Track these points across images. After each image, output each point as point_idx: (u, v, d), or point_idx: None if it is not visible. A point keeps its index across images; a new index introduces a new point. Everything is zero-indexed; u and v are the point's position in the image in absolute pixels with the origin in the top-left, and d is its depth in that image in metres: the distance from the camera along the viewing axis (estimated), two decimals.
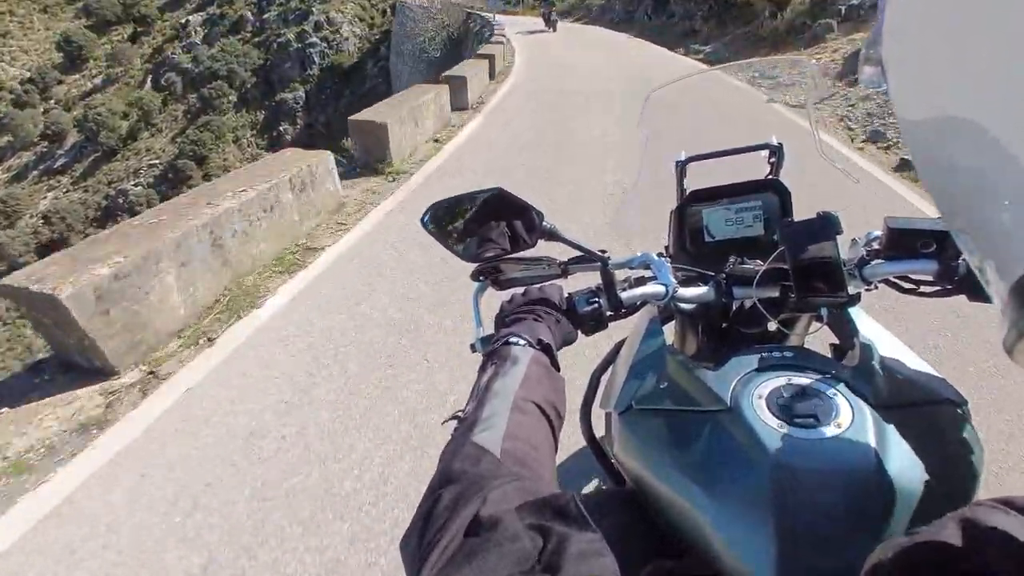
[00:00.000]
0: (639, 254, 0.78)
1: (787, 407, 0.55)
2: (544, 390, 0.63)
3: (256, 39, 35.86)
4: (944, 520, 0.32)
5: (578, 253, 0.77)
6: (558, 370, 0.70)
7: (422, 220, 0.75)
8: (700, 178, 0.97)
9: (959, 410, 0.61)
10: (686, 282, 0.77)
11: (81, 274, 2.34)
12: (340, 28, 34.01)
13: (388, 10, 33.98)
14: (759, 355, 0.63)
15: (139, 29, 38.09)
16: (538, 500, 0.42)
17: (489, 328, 0.76)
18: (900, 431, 0.54)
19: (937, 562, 0.29)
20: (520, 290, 0.79)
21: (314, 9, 35.18)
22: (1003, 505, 0.32)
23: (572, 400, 0.79)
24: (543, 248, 0.76)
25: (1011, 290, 0.20)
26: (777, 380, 0.59)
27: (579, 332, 0.76)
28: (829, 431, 0.52)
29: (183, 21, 38.86)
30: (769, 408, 0.55)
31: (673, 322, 0.91)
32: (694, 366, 0.65)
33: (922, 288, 0.72)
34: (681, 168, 1.00)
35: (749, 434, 0.53)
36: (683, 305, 0.79)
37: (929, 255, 0.69)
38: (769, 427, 0.53)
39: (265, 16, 37.16)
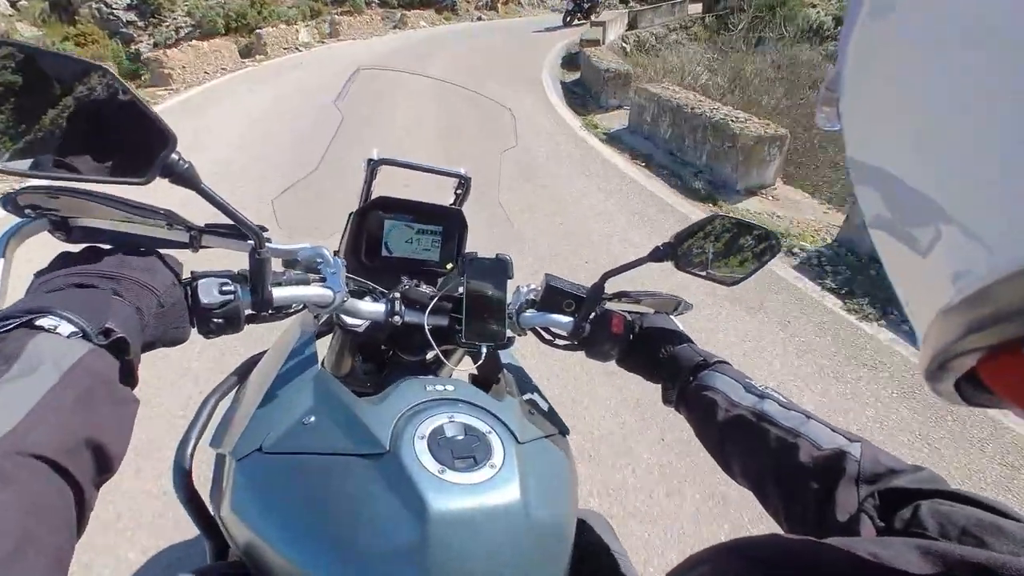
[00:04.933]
0: (308, 246, 0.64)
1: (448, 448, 0.53)
2: (80, 423, 0.38)
3: None
4: None
5: (224, 221, 0.56)
6: (132, 385, 0.46)
7: None
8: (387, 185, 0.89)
9: (564, 439, 0.68)
10: (355, 294, 0.70)
11: None
12: None
13: None
14: (424, 387, 0.59)
15: None
16: None
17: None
18: (534, 463, 0.57)
19: None
20: (107, 248, 0.53)
21: None
22: (749, 548, 0.32)
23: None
24: (164, 195, 0.51)
25: (931, 325, 0.21)
26: (440, 418, 0.56)
27: (193, 330, 0.55)
28: (485, 473, 0.52)
29: None
30: (431, 450, 0.52)
31: (328, 338, 0.83)
32: (351, 398, 0.57)
33: (556, 341, 0.78)
34: (372, 168, 0.94)
35: (408, 482, 0.49)
36: (347, 319, 0.73)
37: (568, 313, 0.77)
38: (429, 472, 0.50)
39: None
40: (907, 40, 0.22)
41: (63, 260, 0.49)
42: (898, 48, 0.23)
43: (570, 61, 11.55)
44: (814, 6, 16.19)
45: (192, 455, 0.64)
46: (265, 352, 0.74)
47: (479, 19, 19.80)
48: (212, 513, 0.61)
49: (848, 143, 0.27)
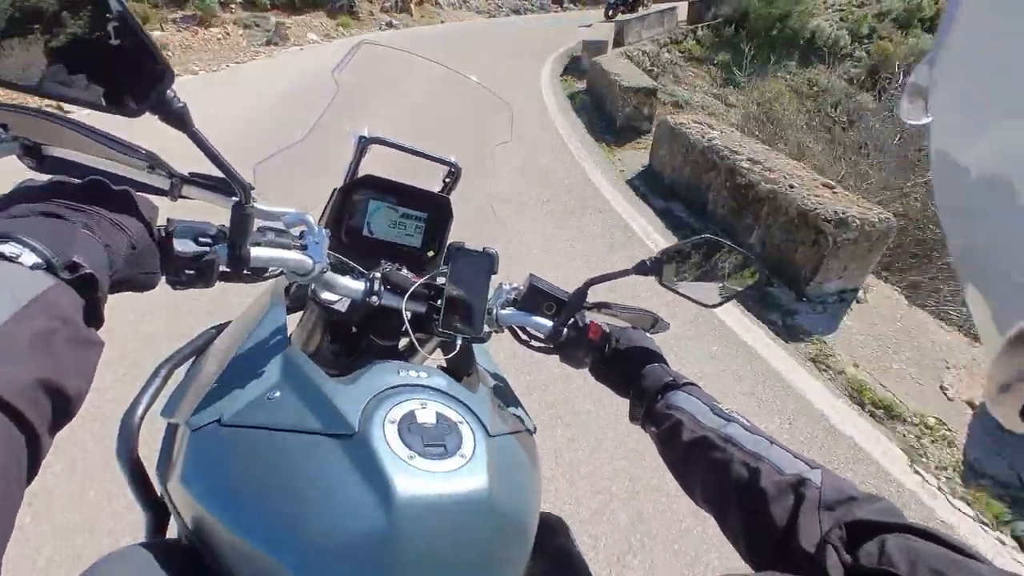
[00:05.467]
0: (293, 211, 0.70)
1: (419, 434, 0.58)
2: (37, 362, 0.40)
3: None
4: None
5: (212, 173, 0.62)
6: (97, 326, 0.48)
7: None
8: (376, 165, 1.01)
9: (531, 437, 0.77)
10: (334, 269, 0.77)
11: None
12: None
13: None
14: (397, 372, 0.66)
15: None
16: None
17: None
18: (503, 458, 0.64)
19: None
20: (77, 182, 0.55)
21: None
22: None
23: None
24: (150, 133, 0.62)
25: (1005, 344, 0.22)
26: (412, 403, 0.62)
27: (163, 277, 0.59)
28: (455, 462, 0.58)
29: None
30: (401, 435, 0.58)
31: (300, 314, 0.91)
32: (320, 376, 0.64)
33: (532, 342, 0.88)
34: (361, 146, 0.99)
35: (375, 465, 0.54)
36: (324, 295, 0.80)
37: (548, 316, 0.86)
38: (398, 457, 0.55)
39: None
40: (1014, 24, 0.23)
41: (27, 187, 0.51)
42: (1004, 34, 0.23)
43: (593, 121, 7.66)
44: (813, 15, 13.91)
45: (140, 423, 0.68)
46: (227, 324, 0.80)
47: (389, 25, 14.21)
48: (156, 486, 0.66)
49: (935, 135, 0.28)
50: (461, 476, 0.56)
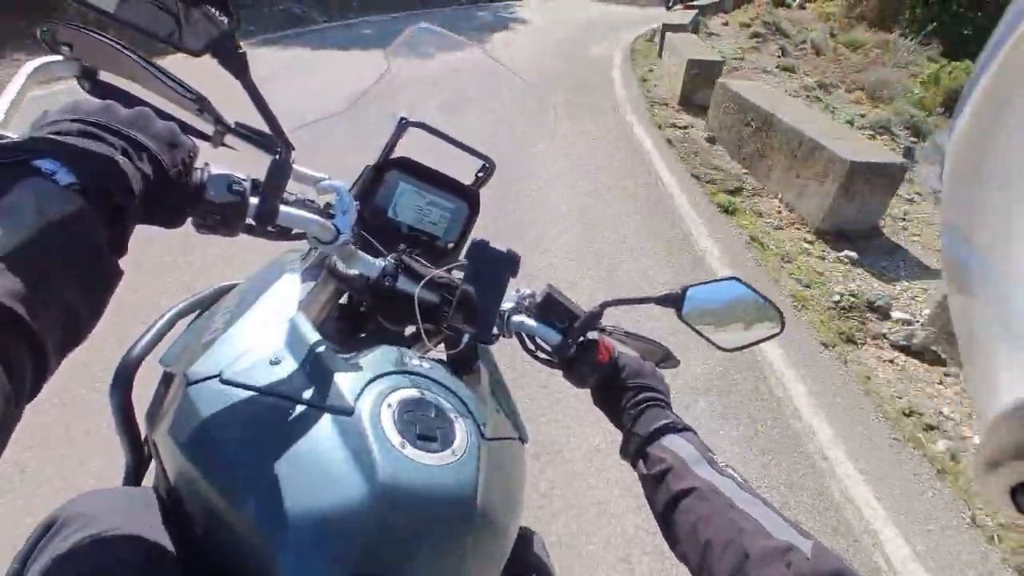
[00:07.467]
0: (328, 178, 0.73)
1: (414, 423, 0.59)
2: (55, 281, 0.41)
3: None
4: None
5: (257, 128, 0.65)
6: (119, 254, 0.49)
7: None
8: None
9: (522, 447, 0.79)
10: (357, 243, 0.78)
11: None
12: None
13: None
14: (401, 358, 0.66)
15: None
16: None
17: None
18: (493, 462, 0.64)
19: None
20: (123, 112, 0.53)
21: None
22: None
23: None
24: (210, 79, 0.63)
25: (995, 419, 0.22)
26: (412, 390, 0.63)
27: (189, 219, 0.59)
28: (445, 457, 0.59)
29: None
30: (395, 420, 0.59)
31: (312, 284, 0.90)
32: (326, 349, 0.64)
33: (539, 352, 0.88)
34: (401, 127, 0.99)
35: (367, 447, 0.55)
36: (340, 265, 0.79)
37: (559, 330, 0.85)
38: (390, 443, 0.56)
39: None
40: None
41: (78, 106, 0.51)
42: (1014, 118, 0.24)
43: None
44: None
45: (138, 365, 0.69)
46: (236, 284, 0.79)
47: None
48: (142, 432, 0.67)
49: (945, 199, 0.29)
50: (450, 472, 0.57)
